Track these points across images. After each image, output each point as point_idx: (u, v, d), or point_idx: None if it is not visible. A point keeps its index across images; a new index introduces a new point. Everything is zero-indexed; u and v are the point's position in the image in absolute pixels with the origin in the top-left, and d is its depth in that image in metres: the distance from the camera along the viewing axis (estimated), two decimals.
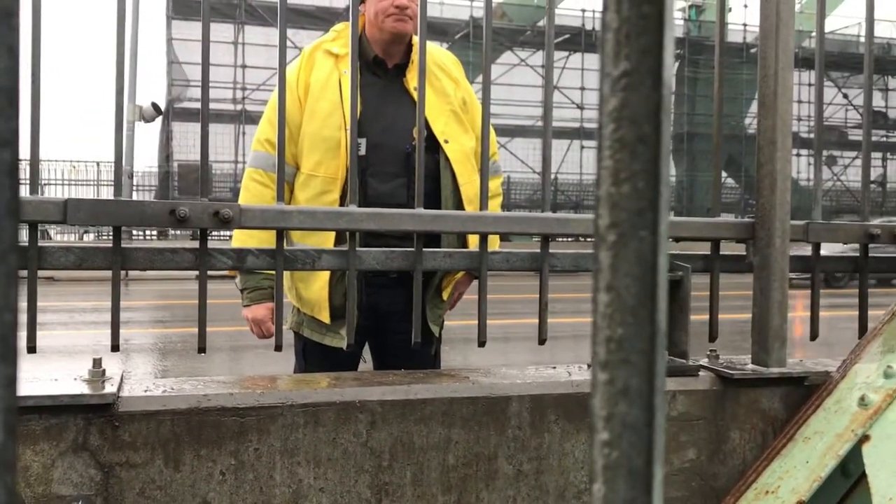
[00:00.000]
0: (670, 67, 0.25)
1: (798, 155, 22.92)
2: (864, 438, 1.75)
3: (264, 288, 2.37)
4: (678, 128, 23.60)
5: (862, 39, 2.29)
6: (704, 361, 1.99)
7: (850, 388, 1.87)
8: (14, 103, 0.28)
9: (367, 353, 2.51)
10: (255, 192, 2.35)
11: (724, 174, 22.89)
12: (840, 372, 1.94)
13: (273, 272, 2.01)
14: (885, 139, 24.35)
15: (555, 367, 2.02)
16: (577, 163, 24.24)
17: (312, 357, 2.41)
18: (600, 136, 0.26)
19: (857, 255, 2.24)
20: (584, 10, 23.13)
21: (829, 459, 1.75)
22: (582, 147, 24.42)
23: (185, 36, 19.77)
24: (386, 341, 2.45)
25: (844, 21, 23.33)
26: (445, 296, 2.49)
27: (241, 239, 2.22)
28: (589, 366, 2.01)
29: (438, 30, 21.91)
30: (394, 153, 2.34)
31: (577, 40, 23.16)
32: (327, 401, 1.70)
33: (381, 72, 2.43)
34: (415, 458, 1.74)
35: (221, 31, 20.92)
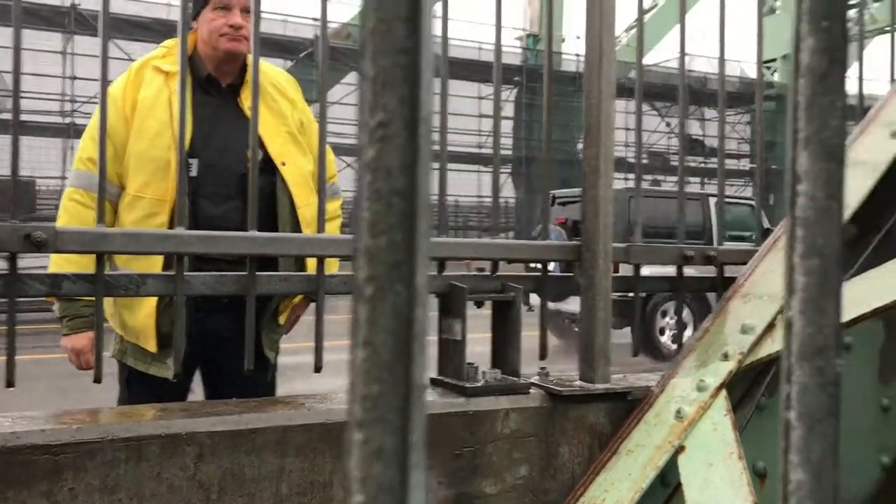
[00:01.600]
0: (428, 120, 0.25)
1: (626, 179, 24.26)
2: (680, 449, 1.86)
3: (85, 316, 2.22)
4: (517, 152, 24.37)
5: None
6: (535, 379, 2.05)
7: (667, 401, 1.98)
8: None
9: (196, 382, 2.41)
10: (75, 214, 2.21)
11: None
12: (659, 386, 2.05)
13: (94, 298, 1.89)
14: (703, 165, 26.21)
15: None
16: None
17: (137, 387, 2.28)
18: (360, 186, 0.26)
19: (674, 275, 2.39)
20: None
21: (649, 471, 1.85)
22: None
23: (4, 43, 18.44)
24: (218, 369, 2.36)
25: (667, 54, 25.03)
26: (283, 320, 2.43)
27: (59, 263, 2.08)
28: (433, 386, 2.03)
29: (282, 48, 21.59)
30: (227, 174, 2.27)
31: None
32: (152, 434, 1.62)
33: (214, 91, 2.36)
34: (246, 490, 1.68)
35: (48, 40, 19.64)
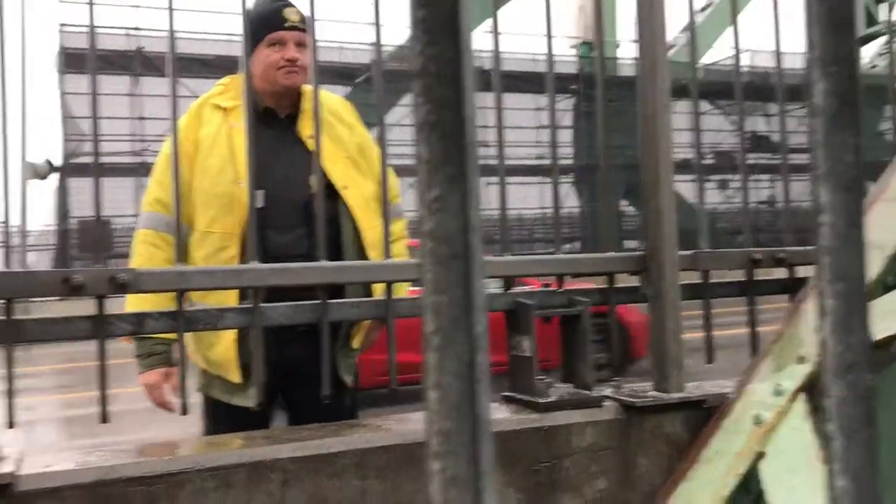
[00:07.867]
0: (476, 193, 0.28)
1: (693, 181, 23.76)
2: (761, 455, 1.84)
3: (158, 353, 2.30)
4: (578, 160, 24.20)
5: (745, 68, 2.44)
6: (608, 391, 2.06)
7: (745, 407, 1.96)
8: None
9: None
10: (147, 255, 2.30)
11: (624, 202, 23.49)
12: (735, 392, 2.03)
13: (167, 336, 1.98)
14: (770, 162, 25.57)
15: None
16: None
17: (221, 418, 2.36)
18: (423, 252, 0.30)
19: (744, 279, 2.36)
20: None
21: (730, 479, 1.83)
22: (487, 184, 24.75)
23: (78, 90, 19.26)
24: (299, 396, 2.42)
25: (729, 51, 24.53)
26: (356, 344, 2.49)
27: (135, 303, 2.14)
28: (500, 402, 2.05)
29: (340, 74, 21.97)
30: (291, 204, 2.34)
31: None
32: (237, 462, 1.68)
33: (272, 122, 2.44)
34: None
35: (116, 84, 20.44)
